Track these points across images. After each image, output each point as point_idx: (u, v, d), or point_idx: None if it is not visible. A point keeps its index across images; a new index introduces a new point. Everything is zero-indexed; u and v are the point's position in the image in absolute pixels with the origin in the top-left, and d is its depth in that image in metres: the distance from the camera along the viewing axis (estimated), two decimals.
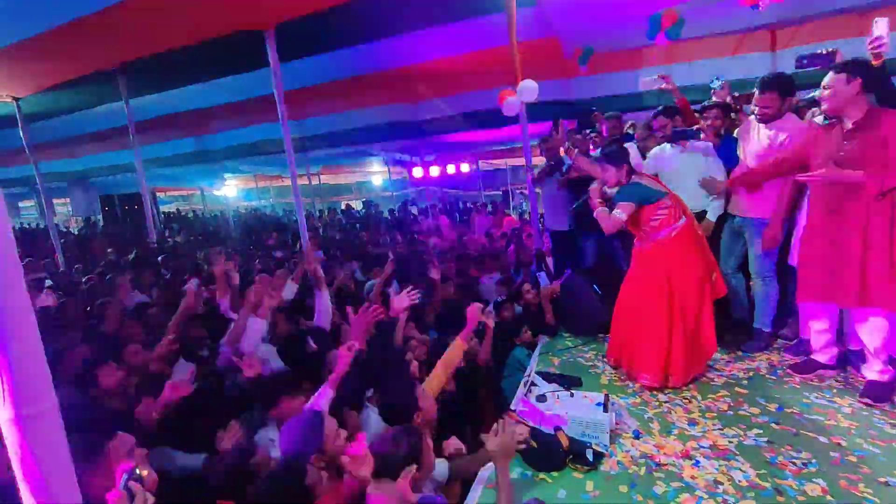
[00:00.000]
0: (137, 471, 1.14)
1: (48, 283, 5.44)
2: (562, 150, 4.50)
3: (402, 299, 2.49)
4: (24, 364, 0.69)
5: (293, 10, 4.31)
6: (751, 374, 2.72)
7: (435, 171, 12.22)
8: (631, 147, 3.69)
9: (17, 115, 6.43)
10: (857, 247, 2.19)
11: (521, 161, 4.46)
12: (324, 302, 3.08)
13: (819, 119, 2.61)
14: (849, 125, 2.21)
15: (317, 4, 4.28)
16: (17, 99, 6.26)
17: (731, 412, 2.34)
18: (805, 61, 2.67)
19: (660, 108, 3.56)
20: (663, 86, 3.61)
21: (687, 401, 2.48)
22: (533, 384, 2.58)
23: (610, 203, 2.73)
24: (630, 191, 2.60)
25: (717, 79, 3.59)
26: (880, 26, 2.25)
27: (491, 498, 1.80)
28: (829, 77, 2.19)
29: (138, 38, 4.55)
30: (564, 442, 2.04)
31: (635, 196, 2.59)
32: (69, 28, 4.03)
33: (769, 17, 4.49)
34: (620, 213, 2.57)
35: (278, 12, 4.33)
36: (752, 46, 5.59)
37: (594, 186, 2.75)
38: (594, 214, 2.71)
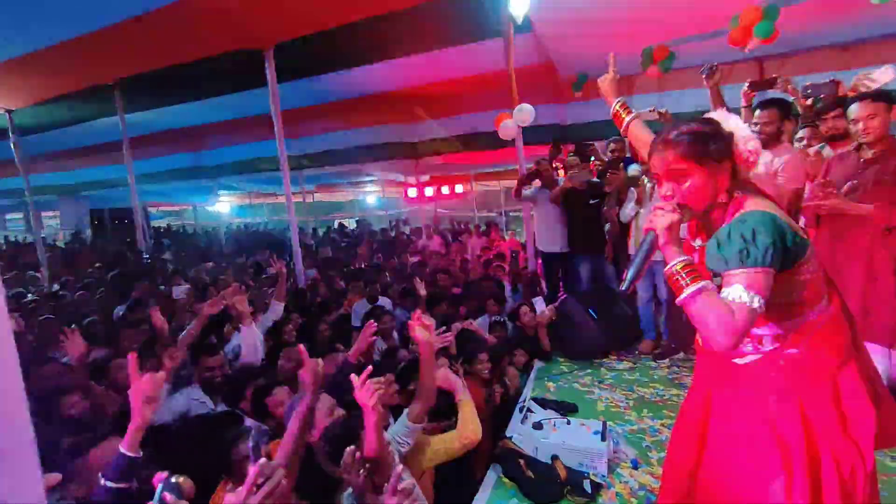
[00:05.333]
0: (173, 479, 1.05)
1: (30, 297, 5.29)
2: (560, 170, 4.54)
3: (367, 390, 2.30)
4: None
5: (292, 30, 4.37)
6: None
7: (429, 191, 12.26)
8: (634, 170, 3.66)
9: (10, 127, 6.39)
10: (861, 277, 2.18)
11: (514, 182, 4.53)
12: (250, 338, 2.76)
13: (813, 150, 2.66)
14: (868, 154, 2.20)
15: (316, 26, 4.34)
16: (9, 111, 6.23)
17: None
18: (810, 90, 2.74)
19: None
20: (657, 117, 3.67)
21: None
22: (529, 411, 2.52)
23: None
24: (761, 230, 1.09)
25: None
26: (888, 74, 2.27)
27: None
28: (868, 106, 2.13)
29: (136, 54, 4.57)
30: (562, 472, 1.98)
31: (774, 244, 1.08)
32: (67, 45, 4.04)
33: (757, 51, 4.62)
34: (750, 295, 1.05)
35: (278, 33, 4.38)
36: (741, 77, 5.74)
37: (666, 220, 1.13)
38: (680, 299, 1.10)
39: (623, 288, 1.12)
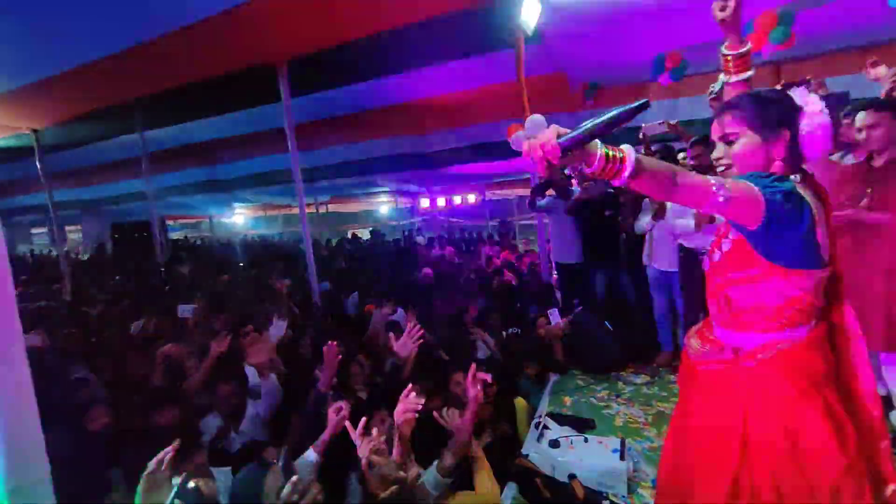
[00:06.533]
0: (190, 484, 1.01)
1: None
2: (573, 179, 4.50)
3: (407, 344, 2.32)
4: (16, 431, 0.64)
5: (305, 46, 4.44)
6: None
7: (441, 201, 12.31)
8: None
9: (35, 146, 6.59)
10: (882, 288, 2.12)
11: (527, 192, 4.49)
12: (269, 386, 2.62)
13: (834, 157, 2.59)
14: (880, 162, 2.16)
15: (327, 42, 4.41)
16: (35, 131, 6.43)
17: None
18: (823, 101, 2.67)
19: (696, 137, 3.34)
20: (667, 129, 3.62)
21: None
22: (545, 427, 2.47)
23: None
24: (789, 184, 1.05)
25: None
26: None
27: None
28: (870, 115, 2.11)
29: (154, 74, 4.69)
30: (580, 492, 1.93)
31: (790, 195, 1.02)
32: (89, 67, 4.17)
33: (774, 56, 4.56)
34: (719, 180, 0.99)
35: (290, 48, 4.45)
36: (757, 82, 5.65)
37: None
38: (627, 173, 0.92)
39: (562, 141, 0.88)
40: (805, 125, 1.13)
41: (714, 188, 0.94)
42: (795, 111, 1.14)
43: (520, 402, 2.80)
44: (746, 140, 1.13)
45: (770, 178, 1.04)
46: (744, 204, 0.97)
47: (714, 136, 1.19)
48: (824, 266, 1.10)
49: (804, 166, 1.16)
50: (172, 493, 0.99)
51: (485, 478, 1.83)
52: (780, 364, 1.12)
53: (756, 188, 0.98)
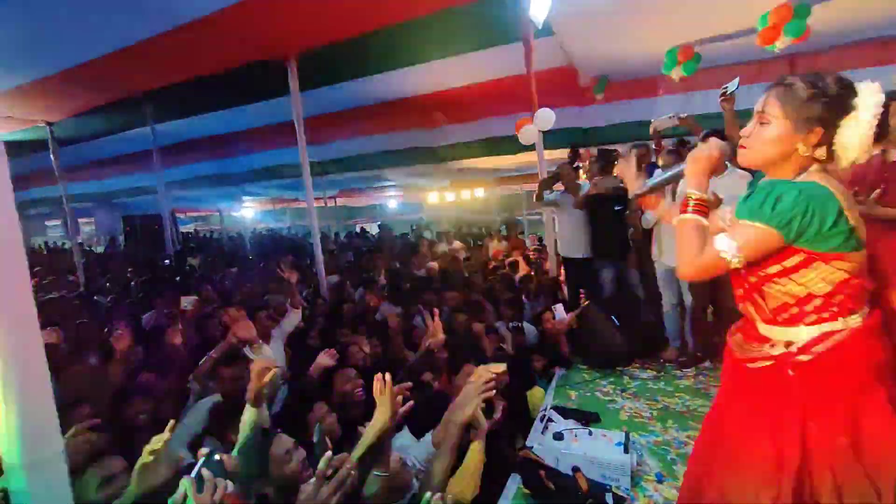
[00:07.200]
0: (216, 457, 1.03)
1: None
2: (581, 173, 4.48)
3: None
4: (31, 406, 0.67)
5: (314, 39, 4.46)
6: None
7: (450, 195, 12.29)
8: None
9: (50, 139, 6.70)
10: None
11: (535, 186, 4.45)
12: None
13: None
14: (895, 157, 2.14)
15: (336, 35, 4.41)
16: (50, 124, 6.53)
17: None
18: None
19: (707, 130, 3.34)
20: (677, 123, 3.58)
21: None
22: (550, 420, 2.48)
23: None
24: (793, 195, 1.04)
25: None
26: None
27: None
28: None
29: (165, 68, 4.74)
30: (583, 485, 1.94)
31: (802, 214, 1.02)
32: (101, 61, 4.23)
33: (788, 49, 4.48)
34: (731, 244, 1.06)
35: (300, 42, 4.47)
36: (771, 76, 5.54)
37: (698, 152, 1.22)
38: (675, 219, 1.19)
39: (636, 192, 1.37)
40: (845, 137, 1.07)
41: (725, 256, 1.06)
42: (839, 110, 1.06)
43: (536, 391, 2.83)
44: (775, 126, 1.10)
45: (771, 196, 1.04)
46: (758, 244, 1.05)
47: (756, 110, 1.15)
48: (862, 247, 1.08)
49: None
50: (200, 463, 1.01)
51: (469, 468, 1.74)
52: (838, 356, 1.06)
53: (759, 224, 1.04)
